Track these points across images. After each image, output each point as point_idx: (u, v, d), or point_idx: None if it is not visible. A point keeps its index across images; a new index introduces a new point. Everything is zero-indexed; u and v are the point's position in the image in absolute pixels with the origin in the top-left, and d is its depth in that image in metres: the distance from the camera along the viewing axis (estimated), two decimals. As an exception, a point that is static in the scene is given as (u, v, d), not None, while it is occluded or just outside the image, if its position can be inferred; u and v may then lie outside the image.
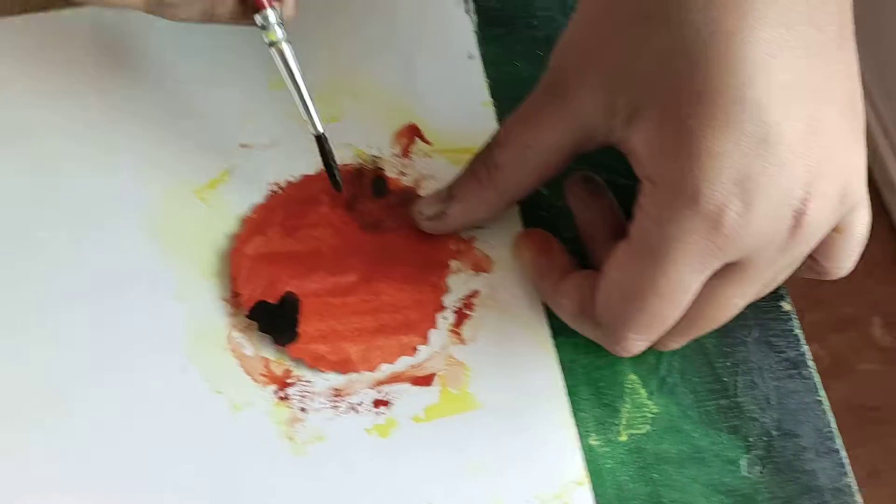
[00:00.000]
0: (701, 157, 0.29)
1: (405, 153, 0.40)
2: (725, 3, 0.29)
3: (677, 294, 0.32)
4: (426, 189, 0.39)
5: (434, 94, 0.41)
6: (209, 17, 0.34)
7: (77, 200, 0.38)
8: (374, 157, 0.40)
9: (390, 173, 0.39)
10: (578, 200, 0.38)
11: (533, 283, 0.38)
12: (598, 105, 0.32)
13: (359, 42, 0.41)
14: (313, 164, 0.39)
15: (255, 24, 0.35)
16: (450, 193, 0.37)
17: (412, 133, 0.40)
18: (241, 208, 0.38)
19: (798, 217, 0.30)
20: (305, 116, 0.36)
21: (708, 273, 0.31)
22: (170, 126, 0.39)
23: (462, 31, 0.42)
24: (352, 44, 0.41)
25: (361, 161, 0.40)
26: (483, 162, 0.36)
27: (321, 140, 0.36)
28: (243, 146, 0.39)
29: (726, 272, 0.32)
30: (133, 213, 0.38)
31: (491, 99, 0.41)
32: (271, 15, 0.34)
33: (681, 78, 0.30)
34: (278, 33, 0.35)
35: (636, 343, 0.34)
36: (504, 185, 0.36)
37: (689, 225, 0.30)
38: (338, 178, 0.37)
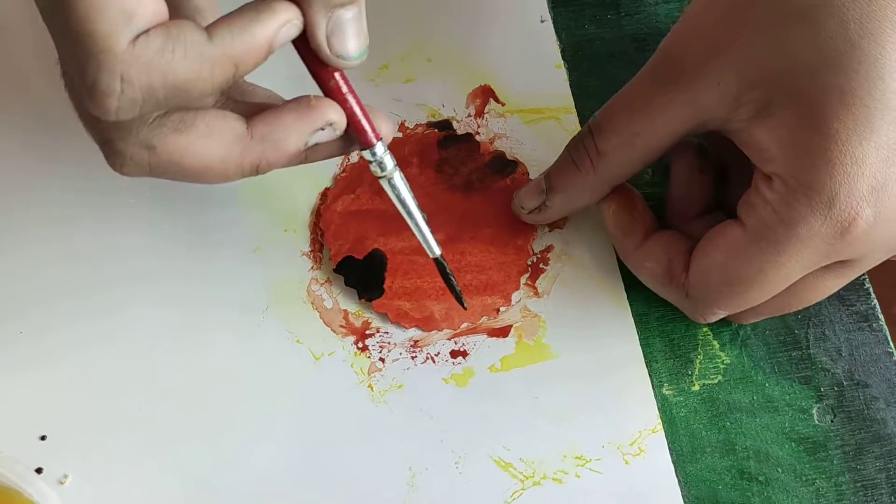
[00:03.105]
0: (844, 163, 0.29)
1: (479, 113, 0.41)
2: (875, 12, 0.28)
3: (781, 285, 0.32)
4: (499, 145, 0.40)
5: (507, 56, 0.41)
6: (313, 159, 0.32)
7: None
8: (449, 117, 0.40)
9: (462, 132, 0.40)
10: (684, 172, 0.36)
11: (614, 240, 0.37)
12: (722, 96, 0.31)
13: (434, 6, 0.42)
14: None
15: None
16: (549, 184, 0.36)
17: (486, 94, 0.41)
18: (323, 166, 0.38)
19: None
20: (421, 241, 0.34)
21: (815, 268, 0.31)
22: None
23: (534, -5, 0.43)
24: (427, 8, 0.42)
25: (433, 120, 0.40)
26: (584, 150, 0.35)
27: (439, 262, 0.35)
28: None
29: (832, 267, 0.32)
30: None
31: (562, 61, 0.42)
32: (379, 148, 0.32)
33: (825, 80, 0.29)
34: (388, 164, 0.32)
35: (719, 316, 0.35)
36: (607, 173, 0.35)
37: (817, 228, 0.30)
38: (461, 297, 0.36)
